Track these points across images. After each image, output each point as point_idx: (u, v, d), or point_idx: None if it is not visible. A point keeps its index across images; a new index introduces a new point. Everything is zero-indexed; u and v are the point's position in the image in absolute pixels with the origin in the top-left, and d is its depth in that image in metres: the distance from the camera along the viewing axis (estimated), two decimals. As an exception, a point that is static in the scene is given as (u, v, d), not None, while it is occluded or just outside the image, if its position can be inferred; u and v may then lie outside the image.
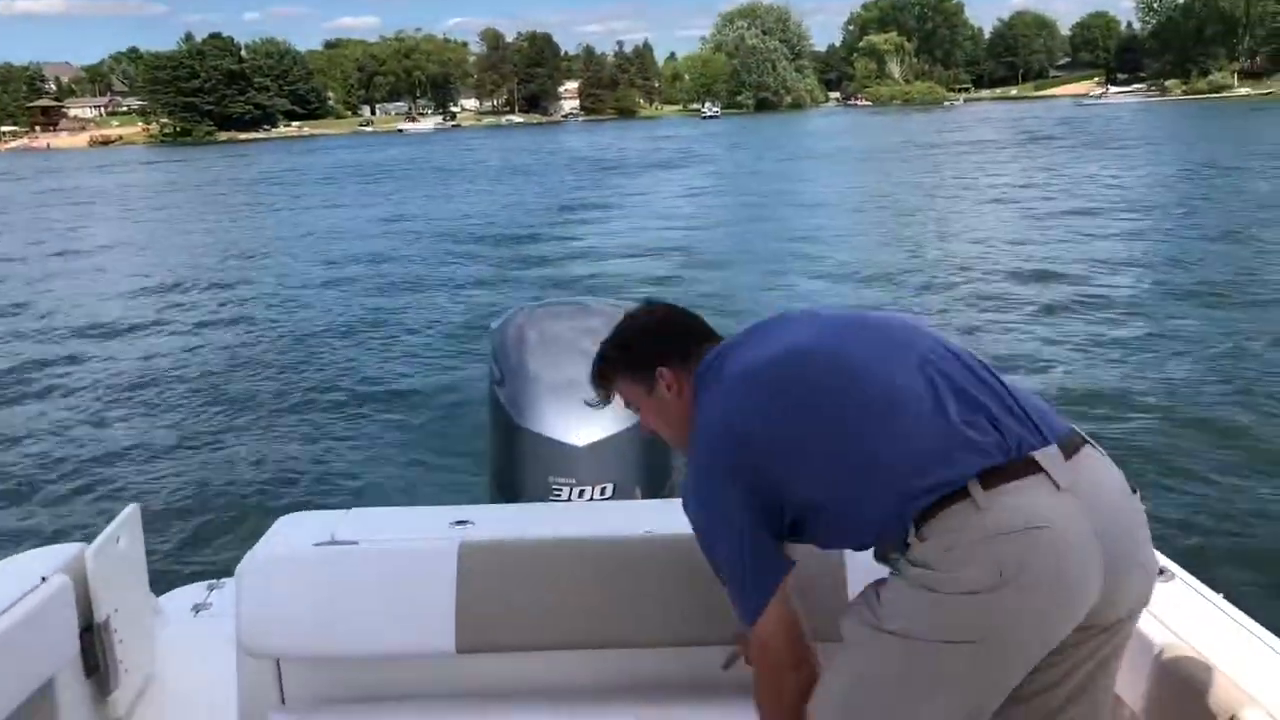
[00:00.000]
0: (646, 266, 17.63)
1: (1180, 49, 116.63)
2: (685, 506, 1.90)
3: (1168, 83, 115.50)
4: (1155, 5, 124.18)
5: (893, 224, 22.31)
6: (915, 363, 1.78)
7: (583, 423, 3.13)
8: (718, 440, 1.84)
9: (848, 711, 1.77)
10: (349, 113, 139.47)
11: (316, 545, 2.23)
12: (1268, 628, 1.99)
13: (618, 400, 3.23)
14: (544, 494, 3.09)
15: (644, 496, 3.14)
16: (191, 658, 2.61)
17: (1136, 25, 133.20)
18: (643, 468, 3.19)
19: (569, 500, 3.08)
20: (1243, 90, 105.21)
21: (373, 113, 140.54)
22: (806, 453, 1.77)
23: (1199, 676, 1.82)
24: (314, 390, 10.72)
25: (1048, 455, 1.66)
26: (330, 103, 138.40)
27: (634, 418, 3.18)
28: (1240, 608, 2.07)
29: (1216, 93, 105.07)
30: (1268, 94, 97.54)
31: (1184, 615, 2.02)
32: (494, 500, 3.23)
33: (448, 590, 2.13)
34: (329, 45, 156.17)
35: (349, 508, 2.49)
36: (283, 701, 2.22)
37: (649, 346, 2.08)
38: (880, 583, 1.80)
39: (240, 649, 2.18)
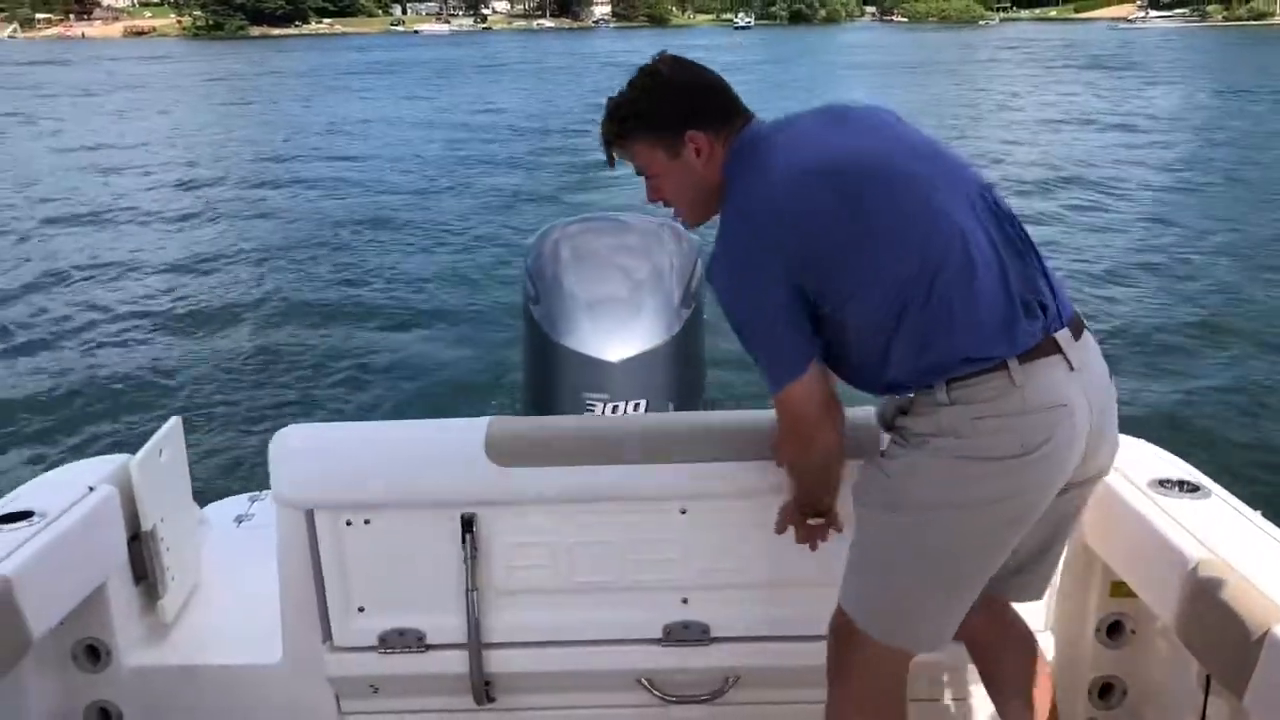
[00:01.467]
0: None
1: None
2: (712, 277, 1.83)
3: (1209, 7, 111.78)
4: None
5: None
6: (970, 207, 1.79)
7: (616, 339, 3.13)
8: (769, 219, 1.77)
9: (888, 594, 1.88)
10: (380, 11, 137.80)
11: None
12: None
13: (654, 316, 3.28)
14: (578, 410, 3.10)
15: (675, 409, 3.15)
16: (235, 566, 2.68)
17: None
18: (676, 384, 3.19)
19: (601, 415, 3.10)
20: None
21: (404, 11, 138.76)
22: (876, 272, 1.74)
23: (1233, 591, 1.82)
24: (352, 303, 10.80)
25: (1064, 337, 1.76)
26: (361, 1, 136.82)
27: (668, 333, 3.25)
28: (1277, 524, 2.05)
29: (1259, 19, 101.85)
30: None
31: (1219, 531, 2.01)
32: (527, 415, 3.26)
33: (476, 449, 2.19)
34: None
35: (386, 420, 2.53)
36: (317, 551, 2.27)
37: (681, 106, 1.90)
38: (882, 458, 1.88)
39: (277, 503, 2.25)
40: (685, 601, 2.32)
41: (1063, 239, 12.09)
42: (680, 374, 3.20)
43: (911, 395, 1.83)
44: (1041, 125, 23.36)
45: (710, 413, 2.51)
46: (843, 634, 1.96)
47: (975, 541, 1.80)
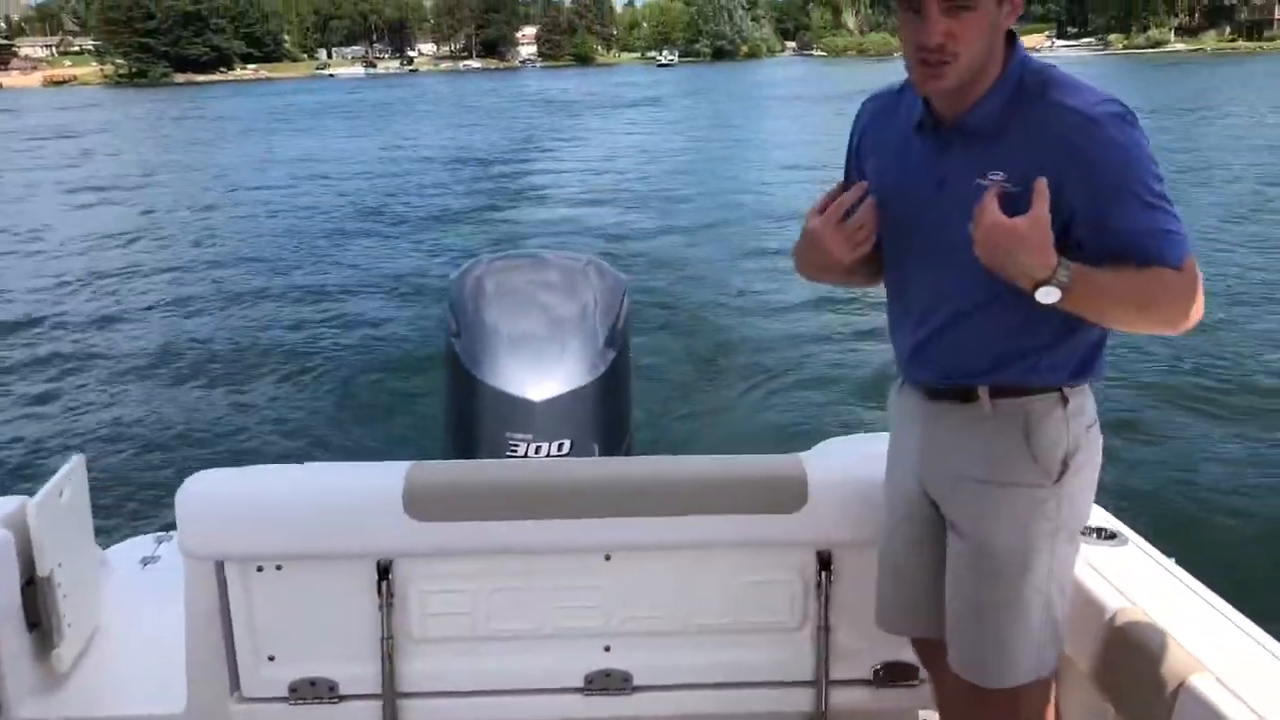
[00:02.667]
0: (601, 215, 17.47)
1: (1125, 2, 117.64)
2: (1116, 130, 1.61)
3: (1110, 37, 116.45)
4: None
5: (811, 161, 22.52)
6: None
7: (540, 377, 3.09)
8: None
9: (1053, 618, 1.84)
10: (305, 56, 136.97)
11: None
12: (1219, 593, 2.00)
13: (578, 356, 3.25)
14: (500, 450, 3.05)
15: (602, 453, 3.11)
16: (138, 611, 2.57)
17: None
18: (600, 426, 3.15)
19: (524, 456, 3.05)
20: (1178, 45, 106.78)
21: (329, 56, 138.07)
22: None
23: (1150, 640, 1.84)
24: (267, 344, 10.53)
25: None
26: (286, 45, 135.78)
27: (593, 373, 3.21)
28: (1191, 572, 2.08)
29: (1154, 47, 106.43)
30: (1197, 50, 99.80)
31: (1136, 579, 2.04)
32: (450, 458, 3.20)
33: (393, 499, 2.13)
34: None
35: (302, 462, 2.46)
36: (227, 608, 2.20)
37: None
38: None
39: (184, 555, 2.17)
40: (608, 649, 2.28)
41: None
42: (605, 416, 3.17)
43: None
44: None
45: (636, 460, 2.49)
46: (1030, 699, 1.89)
47: None
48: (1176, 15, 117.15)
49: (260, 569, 2.16)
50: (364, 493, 2.19)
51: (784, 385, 8.25)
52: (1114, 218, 1.61)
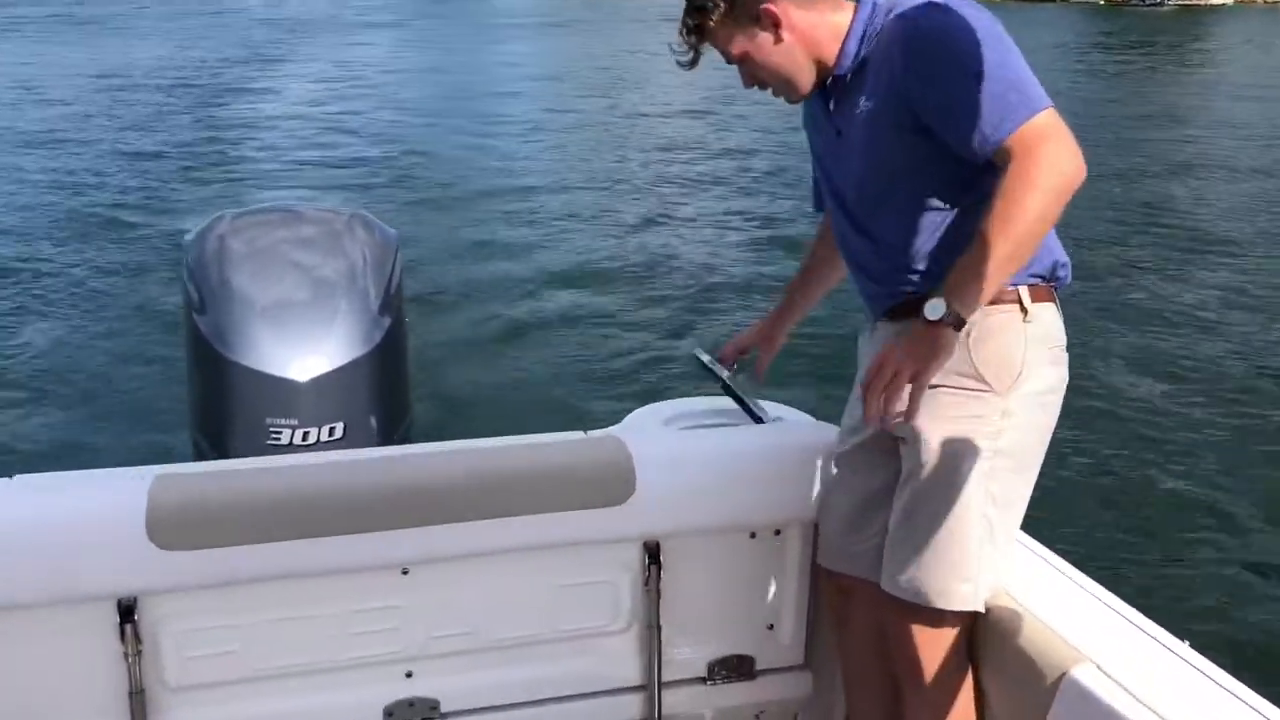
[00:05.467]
0: (344, 155, 14.97)
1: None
2: (923, 15, 1.72)
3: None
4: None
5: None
6: None
7: (304, 353, 2.67)
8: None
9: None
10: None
11: None
12: (1100, 583, 1.93)
13: (349, 325, 2.81)
14: (261, 440, 2.60)
15: (380, 436, 2.72)
16: None
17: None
18: (377, 404, 2.77)
19: (290, 445, 2.61)
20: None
21: None
22: None
23: (1030, 634, 1.76)
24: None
25: None
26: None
27: (367, 345, 2.79)
28: (1071, 562, 2.00)
29: None
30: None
31: (1016, 572, 1.91)
32: (201, 454, 2.70)
33: (134, 523, 1.69)
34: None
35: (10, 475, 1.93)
36: None
37: None
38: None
39: None
40: (409, 675, 1.95)
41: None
42: (382, 394, 2.78)
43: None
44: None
45: (429, 452, 2.09)
46: None
47: None
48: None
49: None
50: (95, 515, 1.72)
51: (576, 351, 7.63)
52: (943, 96, 1.68)
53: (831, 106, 1.88)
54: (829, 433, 2.09)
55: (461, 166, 14.34)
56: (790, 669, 2.19)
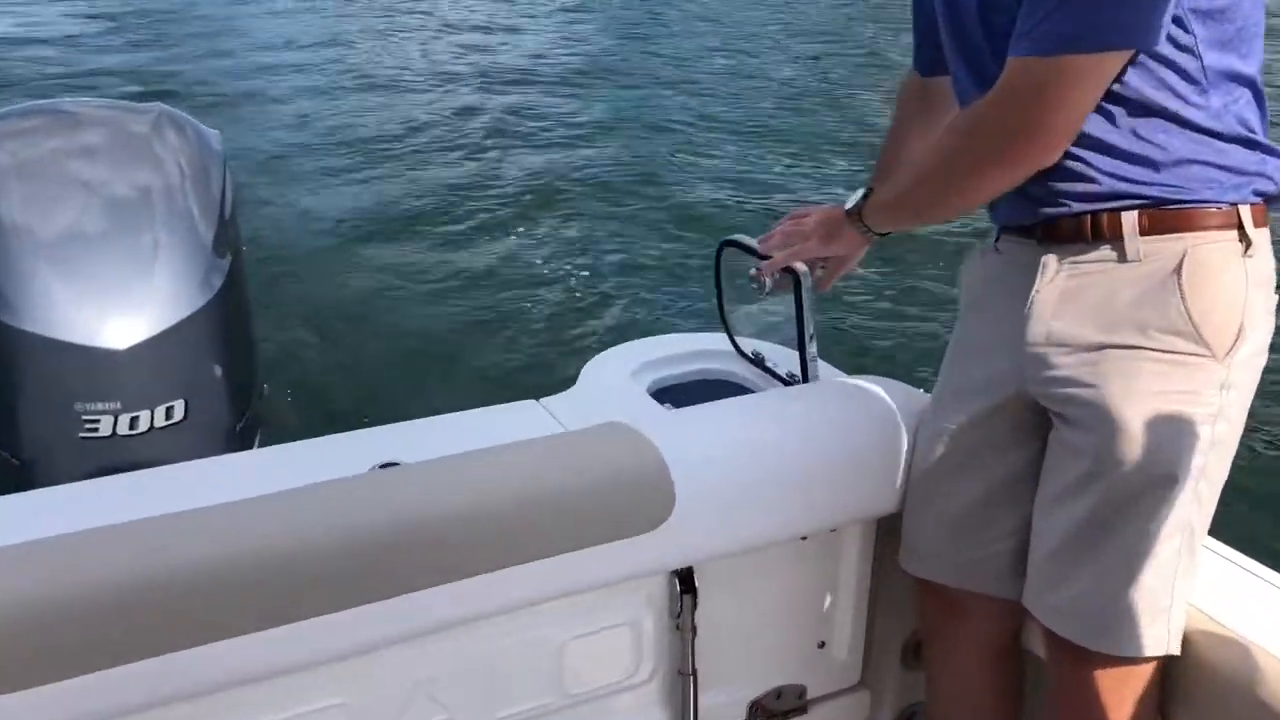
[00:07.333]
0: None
1: None
2: None
3: None
4: None
5: None
6: None
7: (120, 311, 2.02)
8: None
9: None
10: None
11: None
12: None
13: (176, 270, 2.14)
14: (71, 433, 1.95)
15: (231, 414, 2.11)
16: None
17: None
18: (223, 371, 2.14)
19: (113, 435, 1.98)
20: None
21: None
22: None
23: (1239, 663, 1.35)
24: None
25: None
26: None
27: (204, 295, 2.13)
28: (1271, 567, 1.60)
29: None
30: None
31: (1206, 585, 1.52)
32: None
33: None
34: None
35: None
36: None
37: None
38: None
39: None
40: None
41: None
42: (228, 357, 2.14)
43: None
44: None
45: (378, 480, 1.38)
46: None
47: None
48: None
49: None
50: None
51: (458, 276, 5.58)
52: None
53: None
54: (918, 400, 1.61)
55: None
56: (845, 692, 1.76)
